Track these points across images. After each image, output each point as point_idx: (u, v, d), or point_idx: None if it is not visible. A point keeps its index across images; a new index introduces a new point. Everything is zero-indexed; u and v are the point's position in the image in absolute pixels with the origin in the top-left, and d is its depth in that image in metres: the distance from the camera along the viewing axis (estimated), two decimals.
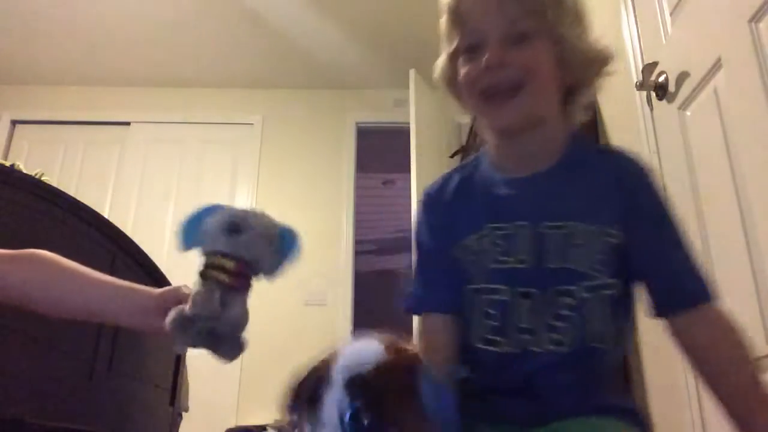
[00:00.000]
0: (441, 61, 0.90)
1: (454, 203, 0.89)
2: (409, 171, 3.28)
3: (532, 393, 0.79)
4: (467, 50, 0.83)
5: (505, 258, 0.81)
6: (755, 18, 1.17)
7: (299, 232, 0.86)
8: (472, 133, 2.58)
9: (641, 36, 1.69)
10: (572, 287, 0.78)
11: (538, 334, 0.78)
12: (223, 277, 0.73)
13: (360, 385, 0.60)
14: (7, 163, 1.83)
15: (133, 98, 4.44)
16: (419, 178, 3.22)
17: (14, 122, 4.35)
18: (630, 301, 0.84)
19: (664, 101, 1.53)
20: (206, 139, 4.38)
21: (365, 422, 0.57)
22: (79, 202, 1.47)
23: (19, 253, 0.83)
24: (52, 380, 1.33)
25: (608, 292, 0.79)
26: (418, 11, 3.72)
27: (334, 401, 0.59)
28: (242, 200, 4.21)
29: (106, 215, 1.86)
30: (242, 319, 0.78)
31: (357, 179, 4.36)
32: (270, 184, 4.24)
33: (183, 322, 0.71)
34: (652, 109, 1.61)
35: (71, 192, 1.53)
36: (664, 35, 1.56)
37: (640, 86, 1.60)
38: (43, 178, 1.66)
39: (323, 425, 0.58)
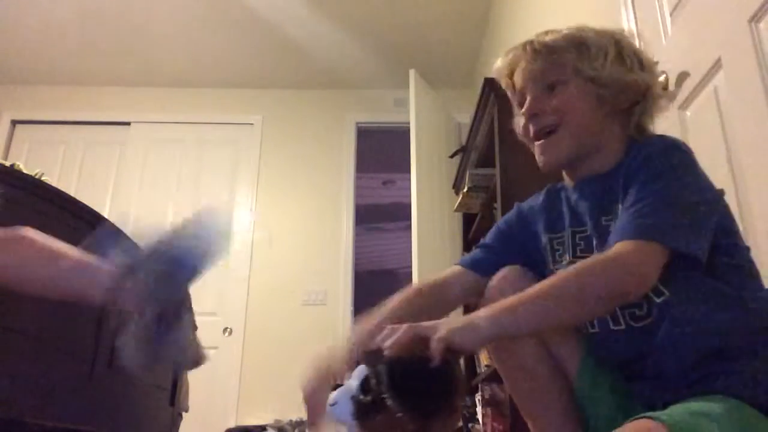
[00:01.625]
0: (515, 120, 1.05)
1: (538, 209, 1.06)
2: (409, 171, 3.28)
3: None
4: (519, 107, 1.00)
5: (587, 254, 0.92)
6: (755, 18, 1.17)
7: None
8: (472, 133, 2.58)
9: (641, 36, 1.69)
10: None
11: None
12: None
13: (376, 359, 0.75)
14: (7, 163, 1.83)
15: (133, 98, 4.44)
16: (419, 178, 3.22)
17: (14, 122, 4.35)
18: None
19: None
20: (206, 139, 4.39)
21: (373, 389, 0.73)
22: (79, 202, 1.47)
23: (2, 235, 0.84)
24: (52, 380, 1.33)
25: None
26: (418, 11, 3.73)
27: (359, 371, 0.76)
28: (242, 200, 4.21)
29: (106, 215, 1.86)
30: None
31: (357, 179, 4.37)
32: (270, 184, 4.24)
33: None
34: None
35: (71, 192, 1.53)
36: (664, 35, 1.56)
37: None
38: (43, 178, 1.66)
39: (347, 386, 0.76)
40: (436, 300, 1.04)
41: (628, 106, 0.94)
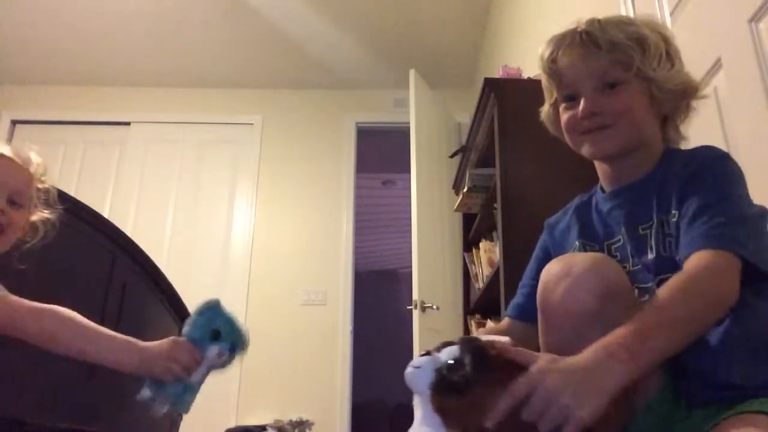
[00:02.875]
0: (545, 109, 1.05)
1: (570, 223, 1.04)
2: (409, 171, 3.28)
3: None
4: (565, 100, 0.98)
5: (625, 264, 0.91)
6: (755, 18, 1.17)
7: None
8: (472, 133, 2.58)
9: None
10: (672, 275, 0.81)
11: None
12: None
13: (473, 347, 0.73)
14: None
15: (133, 98, 4.44)
16: (419, 178, 3.22)
17: (14, 122, 4.35)
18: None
19: None
20: (206, 139, 4.39)
21: (459, 371, 0.72)
22: (79, 202, 1.46)
23: (37, 307, 0.97)
24: (52, 380, 1.33)
25: None
26: (418, 11, 3.73)
27: (451, 350, 0.75)
28: (242, 200, 4.21)
29: (106, 215, 1.86)
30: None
31: (357, 179, 4.37)
32: (270, 184, 4.24)
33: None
34: None
35: (71, 192, 1.53)
36: None
37: None
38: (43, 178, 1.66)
39: (434, 357, 0.75)
40: None
41: (674, 109, 0.95)
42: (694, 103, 0.97)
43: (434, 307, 2.97)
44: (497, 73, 2.39)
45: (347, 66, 4.23)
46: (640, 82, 0.92)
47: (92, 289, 1.50)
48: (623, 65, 0.91)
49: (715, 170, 0.86)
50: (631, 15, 1.74)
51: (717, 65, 1.30)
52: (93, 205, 1.55)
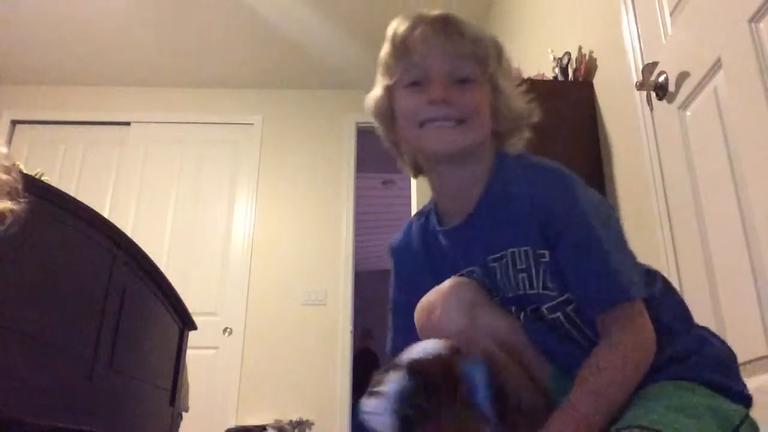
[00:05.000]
0: (376, 93, 0.94)
1: (417, 253, 0.96)
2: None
3: None
4: (410, 85, 0.87)
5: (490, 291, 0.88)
6: (755, 18, 1.17)
7: None
8: None
9: (641, 36, 1.69)
10: (542, 308, 0.83)
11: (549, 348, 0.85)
12: None
13: (417, 369, 0.72)
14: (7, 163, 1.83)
15: (133, 98, 4.44)
16: (419, 178, 3.22)
17: (14, 122, 4.35)
18: None
19: (664, 101, 1.53)
20: (206, 139, 4.39)
21: (416, 401, 0.70)
22: (79, 202, 1.46)
23: None
24: (52, 380, 1.33)
25: (572, 306, 0.81)
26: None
27: (396, 379, 0.72)
28: (242, 200, 4.21)
29: (106, 215, 1.86)
30: None
31: (357, 179, 4.37)
32: (270, 184, 4.24)
33: None
34: (652, 109, 1.61)
35: (71, 192, 1.53)
36: (664, 35, 1.56)
37: (640, 86, 1.60)
38: (43, 178, 1.66)
39: (387, 397, 0.71)
40: None
41: (502, 131, 0.89)
42: (526, 133, 0.91)
43: None
44: None
45: (347, 66, 4.23)
46: (488, 88, 0.86)
47: (92, 289, 1.50)
48: (480, 63, 0.85)
49: (570, 203, 0.81)
50: (631, 15, 1.74)
51: (717, 65, 1.30)
52: (93, 205, 1.55)
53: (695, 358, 0.78)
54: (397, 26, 0.88)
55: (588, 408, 0.73)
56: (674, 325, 0.81)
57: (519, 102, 0.89)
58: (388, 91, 0.91)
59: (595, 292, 0.78)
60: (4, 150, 1.07)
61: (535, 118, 0.90)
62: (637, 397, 0.74)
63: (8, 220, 1.02)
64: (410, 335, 0.91)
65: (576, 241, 0.79)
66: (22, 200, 1.05)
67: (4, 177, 1.05)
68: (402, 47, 0.87)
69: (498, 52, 0.88)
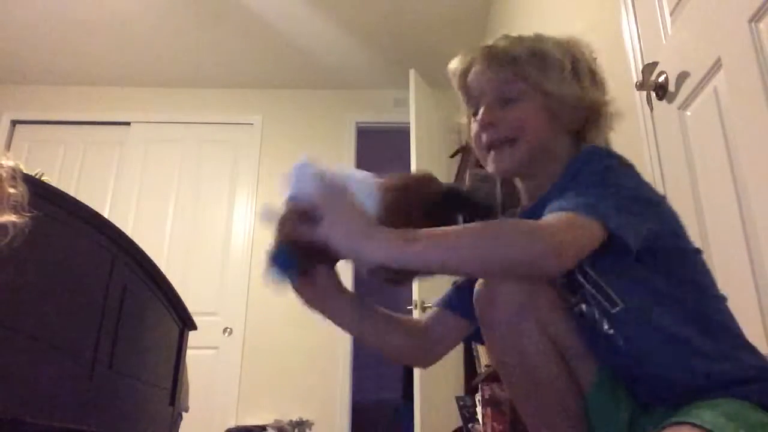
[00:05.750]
0: (464, 122, 1.05)
1: None
2: (409, 171, 3.28)
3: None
4: (473, 115, 0.98)
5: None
6: (755, 18, 1.17)
7: None
8: None
9: (641, 36, 1.69)
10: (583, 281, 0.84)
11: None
12: None
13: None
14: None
15: (133, 98, 4.44)
16: None
17: (14, 122, 4.36)
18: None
19: (664, 101, 1.53)
20: (206, 139, 4.39)
21: None
22: (79, 202, 1.46)
23: None
24: (52, 380, 1.33)
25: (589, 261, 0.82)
26: (418, 11, 3.73)
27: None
28: (242, 200, 4.22)
29: (106, 215, 1.86)
30: None
31: None
32: (270, 184, 4.24)
33: None
34: (652, 109, 1.61)
35: (71, 192, 1.53)
36: (664, 35, 1.56)
37: (640, 86, 1.60)
38: (43, 178, 1.66)
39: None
40: (421, 342, 1.01)
41: (581, 124, 0.94)
42: (614, 121, 0.96)
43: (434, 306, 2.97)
44: None
45: (347, 66, 4.23)
46: (539, 97, 0.91)
47: (92, 289, 1.50)
48: (521, 79, 0.92)
49: (590, 167, 0.83)
50: (631, 15, 1.74)
51: (717, 65, 1.30)
52: (93, 205, 1.55)
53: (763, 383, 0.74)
54: (455, 66, 1.00)
55: (427, 231, 0.74)
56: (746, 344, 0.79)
57: (576, 98, 0.92)
58: (469, 122, 1.02)
59: (556, 205, 0.77)
60: (11, 163, 1.08)
61: (602, 109, 0.94)
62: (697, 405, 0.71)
63: (11, 234, 1.03)
64: (450, 294, 1.02)
65: (576, 187, 0.80)
66: (26, 214, 1.07)
67: (12, 191, 1.07)
68: (461, 83, 0.99)
69: (541, 58, 0.92)
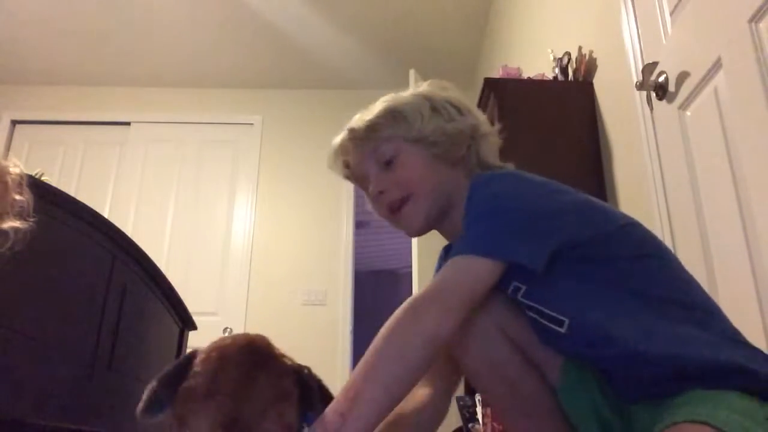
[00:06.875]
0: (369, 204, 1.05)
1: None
2: None
3: None
4: (366, 192, 1.01)
5: None
6: (755, 18, 1.17)
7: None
8: None
9: (641, 36, 1.69)
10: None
11: None
12: None
13: None
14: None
15: (133, 98, 4.44)
16: None
17: (14, 122, 4.35)
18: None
19: (664, 101, 1.53)
20: (206, 139, 4.39)
21: None
22: (79, 202, 1.46)
23: None
24: (52, 380, 1.33)
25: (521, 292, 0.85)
26: (418, 11, 3.73)
27: None
28: (242, 200, 4.21)
29: (106, 215, 1.86)
30: None
31: None
32: (270, 183, 4.24)
33: None
34: (652, 109, 1.61)
35: (71, 192, 1.53)
36: (664, 35, 1.56)
37: (640, 86, 1.60)
38: (43, 178, 1.66)
39: None
40: (438, 407, 0.99)
41: (463, 153, 0.95)
42: (492, 138, 0.99)
43: None
44: (497, 73, 2.39)
45: (347, 66, 4.23)
46: (412, 148, 0.94)
47: (92, 289, 1.50)
48: (386, 141, 0.95)
49: (475, 202, 0.84)
50: (631, 15, 1.74)
51: (717, 65, 1.30)
52: (93, 205, 1.55)
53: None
54: (331, 160, 1.06)
55: (358, 372, 0.75)
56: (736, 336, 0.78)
57: (437, 127, 0.94)
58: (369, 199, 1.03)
59: (455, 250, 0.81)
60: (18, 170, 1.09)
61: (474, 130, 0.96)
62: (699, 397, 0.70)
63: (11, 240, 1.04)
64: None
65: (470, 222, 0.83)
66: (30, 219, 1.08)
67: (17, 198, 1.07)
68: (345, 174, 1.04)
69: (393, 114, 0.96)
